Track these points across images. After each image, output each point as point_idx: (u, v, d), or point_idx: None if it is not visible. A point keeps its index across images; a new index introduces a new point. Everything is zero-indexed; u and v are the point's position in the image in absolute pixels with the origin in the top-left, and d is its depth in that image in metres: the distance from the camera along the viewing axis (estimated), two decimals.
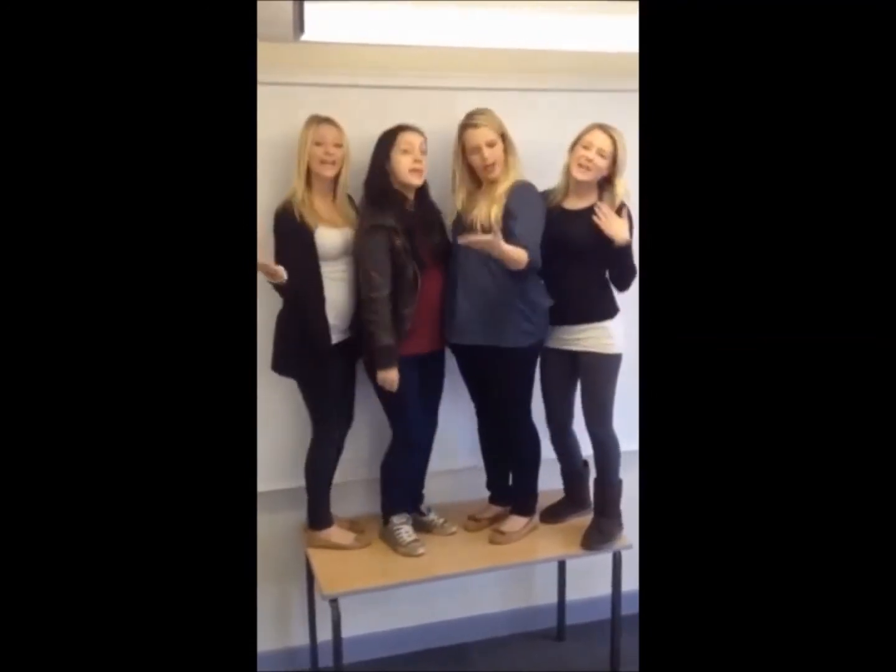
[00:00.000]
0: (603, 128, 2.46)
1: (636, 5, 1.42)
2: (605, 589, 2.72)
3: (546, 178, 2.56)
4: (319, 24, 2.06)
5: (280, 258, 2.33)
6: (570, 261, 2.49)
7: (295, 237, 2.36)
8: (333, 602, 2.35)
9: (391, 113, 2.48)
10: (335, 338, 2.42)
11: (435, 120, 2.49)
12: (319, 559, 2.51)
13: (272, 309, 2.45)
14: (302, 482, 2.56)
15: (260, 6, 1.49)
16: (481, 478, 2.81)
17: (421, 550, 2.52)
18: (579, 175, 2.47)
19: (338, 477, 2.60)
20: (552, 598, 3.06)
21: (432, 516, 2.71)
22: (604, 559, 2.68)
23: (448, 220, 2.56)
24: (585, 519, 2.66)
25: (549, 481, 2.76)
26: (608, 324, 2.54)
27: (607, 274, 2.55)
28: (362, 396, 2.58)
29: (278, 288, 2.37)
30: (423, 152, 2.41)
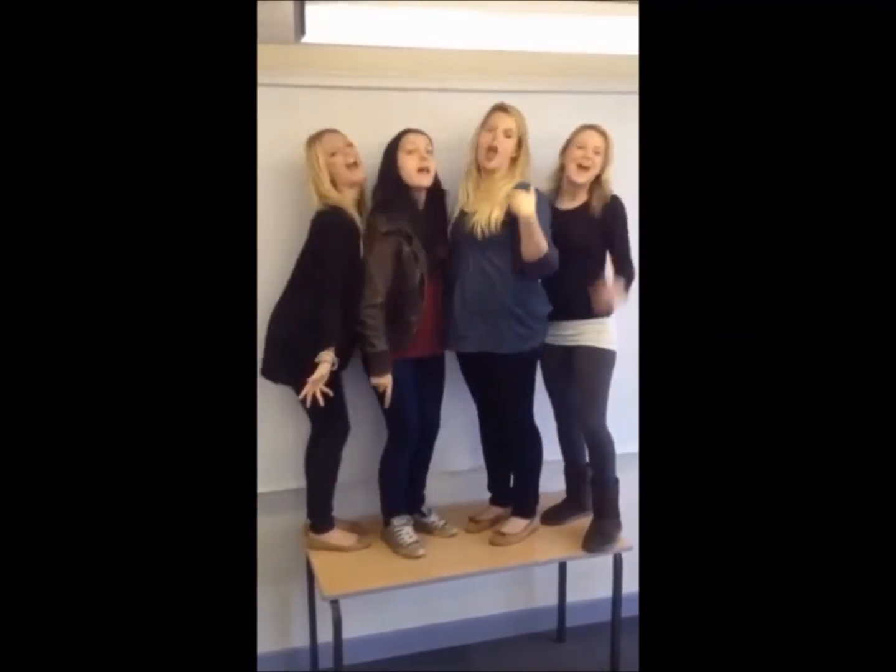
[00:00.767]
0: (594, 127, 2.52)
1: (636, 6, 1.43)
2: (606, 591, 2.72)
3: (545, 180, 2.58)
4: (320, 27, 2.06)
5: (324, 262, 2.32)
6: (570, 259, 2.50)
7: (343, 238, 2.35)
8: (334, 603, 2.35)
9: (392, 115, 2.49)
10: None
11: (436, 122, 2.50)
12: (320, 560, 2.51)
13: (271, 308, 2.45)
14: (302, 483, 2.56)
15: (261, 8, 1.50)
16: (482, 479, 2.81)
17: (421, 552, 2.52)
18: (579, 177, 2.50)
19: (339, 478, 2.60)
20: (553, 600, 3.06)
21: (433, 518, 2.71)
22: (604, 561, 2.68)
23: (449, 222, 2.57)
24: (586, 521, 2.66)
25: (550, 483, 2.76)
26: (605, 320, 2.57)
27: (610, 272, 2.58)
28: (362, 397, 2.58)
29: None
30: (429, 153, 2.42)
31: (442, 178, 2.51)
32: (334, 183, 2.38)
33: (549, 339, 2.60)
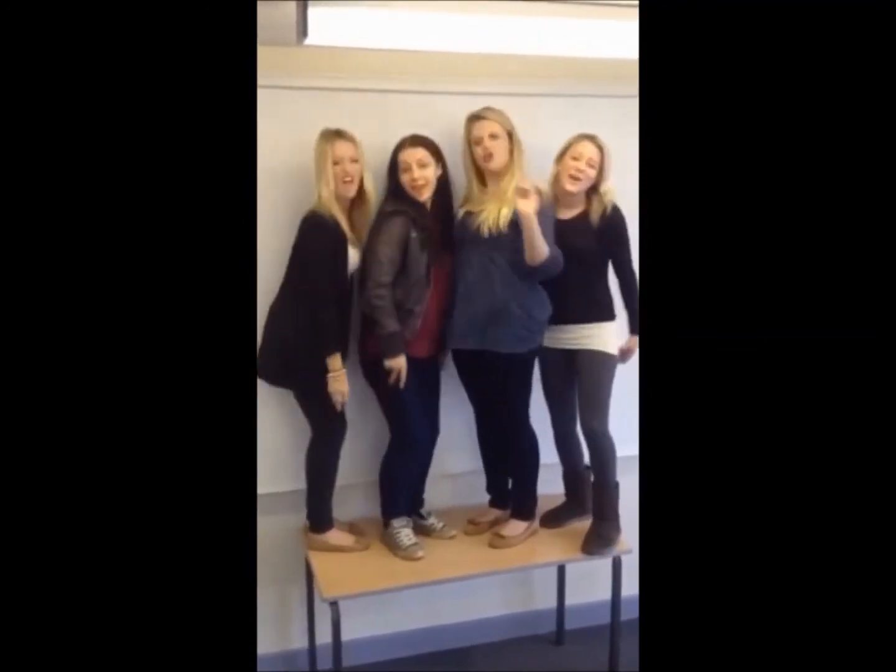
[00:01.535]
0: (589, 137, 2.51)
1: (636, 10, 1.43)
2: (605, 593, 2.72)
3: (544, 182, 2.57)
4: (323, 29, 2.07)
5: (306, 264, 2.34)
6: (572, 266, 2.50)
7: (327, 240, 2.35)
8: (333, 605, 2.35)
9: (394, 117, 2.50)
10: None
11: (438, 124, 2.50)
12: (319, 561, 2.51)
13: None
14: (302, 484, 2.56)
15: (264, 11, 1.50)
16: (481, 482, 2.82)
17: (420, 554, 2.52)
18: (572, 187, 2.51)
19: (338, 480, 2.60)
20: (552, 603, 3.06)
21: (432, 520, 2.71)
22: (603, 564, 2.68)
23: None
24: (585, 523, 2.66)
25: (549, 485, 2.75)
26: (607, 325, 2.59)
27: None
28: (362, 398, 2.58)
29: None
30: (423, 165, 2.41)
31: None
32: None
33: (549, 342, 2.60)
